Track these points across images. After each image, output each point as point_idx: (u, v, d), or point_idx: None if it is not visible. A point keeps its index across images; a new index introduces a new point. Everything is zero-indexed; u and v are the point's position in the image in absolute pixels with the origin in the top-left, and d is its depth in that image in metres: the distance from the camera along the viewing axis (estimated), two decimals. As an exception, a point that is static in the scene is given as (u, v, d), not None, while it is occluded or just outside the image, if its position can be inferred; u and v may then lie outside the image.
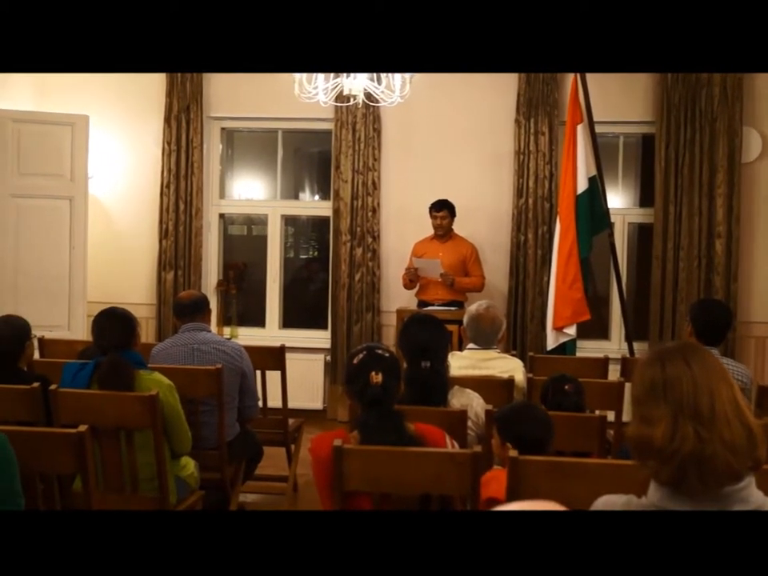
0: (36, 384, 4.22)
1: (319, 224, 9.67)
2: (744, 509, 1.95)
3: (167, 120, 8.47)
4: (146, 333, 8.22)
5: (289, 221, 9.20)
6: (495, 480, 3.35)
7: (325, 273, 9.08)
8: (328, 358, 8.50)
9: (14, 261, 7.73)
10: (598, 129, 7.50)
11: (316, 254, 10.33)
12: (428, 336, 4.11)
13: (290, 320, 8.99)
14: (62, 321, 7.83)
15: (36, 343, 5.29)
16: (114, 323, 4.36)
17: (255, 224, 10.00)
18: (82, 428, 3.44)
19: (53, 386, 4.19)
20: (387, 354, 3.37)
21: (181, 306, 5.31)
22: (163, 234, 8.51)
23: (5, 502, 2.61)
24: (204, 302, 5.37)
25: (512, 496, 3.06)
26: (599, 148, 7.48)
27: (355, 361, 3.34)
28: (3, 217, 7.71)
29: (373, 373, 3.26)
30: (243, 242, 10.21)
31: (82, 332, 7.64)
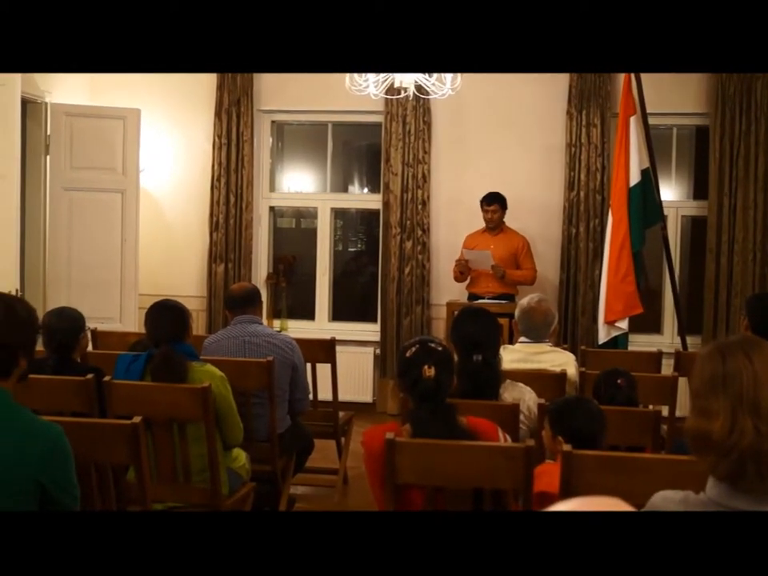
0: (90, 375, 4.24)
1: (367, 217, 9.67)
2: None
3: (218, 114, 8.51)
4: (197, 325, 8.26)
5: (337, 214, 9.20)
6: (547, 474, 3.32)
7: (373, 266, 9.08)
8: (377, 351, 8.49)
9: (66, 254, 7.82)
10: (651, 120, 7.41)
11: (364, 247, 10.32)
12: (480, 329, 4.09)
13: (338, 313, 9.00)
14: (113, 313, 7.90)
15: (89, 335, 5.33)
16: (166, 315, 4.38)
17: (304, 217, 10.01)
18: (137, 419, 3.45)
19: (106, 378, 4.21)
20: (440, 348, 3.33)
21: (233, 299, 5.33)
22: (214, 227, 8.55)
23: (61, 492, 2.63)
24: (256, 294, 5.38)
25: (565, 490, 3.03)
26: (652, 140, 7.40)
27: (408, 354, 3.30)
28: (56, 210, 7.80)
29: (425, 367, 3.23)
30: (291, 235, 10.24)
31: (133, 324, 7.70)
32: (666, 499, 2.07)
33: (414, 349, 3.30)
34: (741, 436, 1.93)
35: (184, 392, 4.18)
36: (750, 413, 1.95)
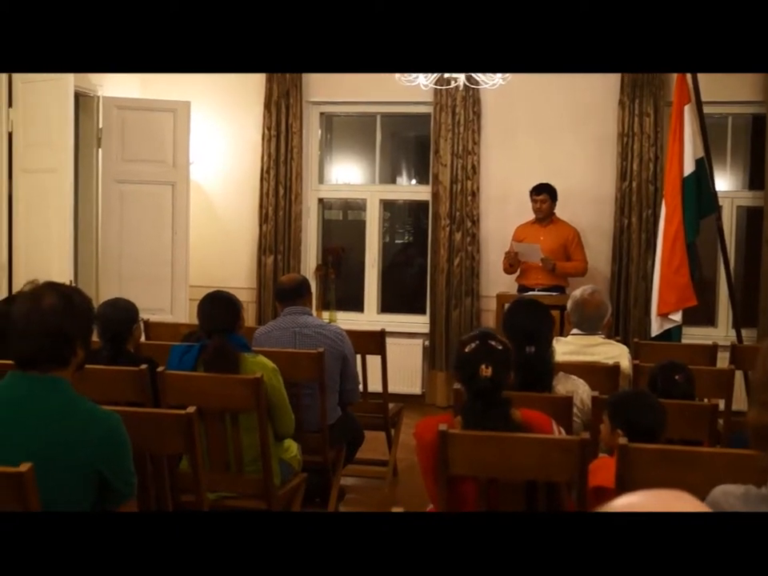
0: (144, 366, 4.27)
1: (415, 208, 9.65)
2: None
3: (267, 106, 8.52)
4: (247, 316, 8.25)
5: (386, 205, 9.18)
6: (605, 468, 3.28)
7: (422, 258, 9.06)
8: (426, 343, 8.47)
9: (118, 246, 7.88)
10: (706, 109, 7.30)
11: (411, 238, 10.30)
12: (533, 321, 4.07)
13: (387, 305, 8.98)
14: (164, 304, 7.94)
15: (142, 326, 5.37)
16: (219, 306, 4.39)
17: (352, 208, 10.01)
18: (191, 409, 3.47)
19: (160, 368, 4.24)
20: (500, 347, 3.25)
21: (283, 290, 5.33)
22: (263, 219, 8.58)
23: (119, 480, 2.65)
24: (305, 285, 5.38)
25: (621, 484, 3.00)
26: (707, 129, 7.29)
27: (467, 350, 3.25)
28: (108, 202, 7.86)
29: (483, 366, 3.18)
30: (340, 227, 10.24)
31: (184, 315, 7.75)
32: (726, 493, 2.03)
33: (473, 345, 3.25)
34: None
35: (236, 383, 4.19)
36: None
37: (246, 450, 4.24)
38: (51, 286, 2.66)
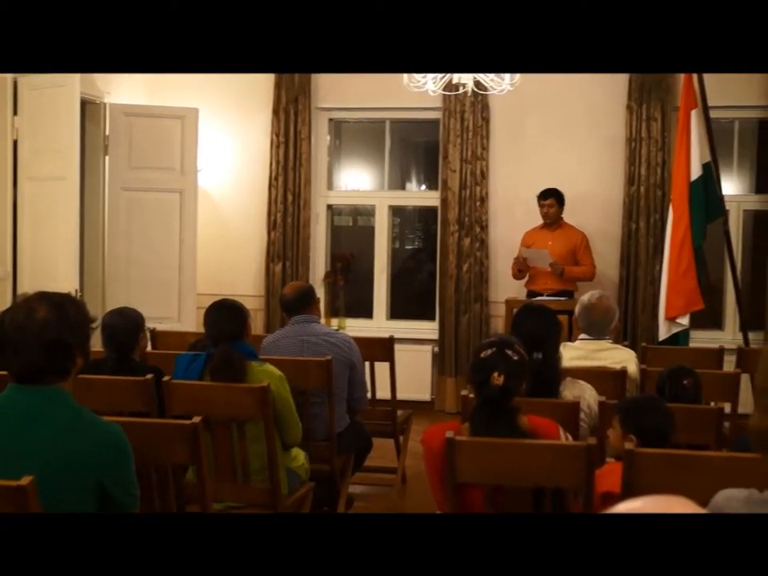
0: (149, 375, 4.26)
1: (425, 214, 9.65)
2: None
3: (275, 112, 8.53)
4: (255, 325, 8.24)
5: (395, 211, 9.18)
6: (611, 473, 3.27)
7: (431, 263, 9.05)
8: (436, 349, 8.46)
9: (125, 253, 7.86)
10: (713, 114, 7.30)
11: (421, 244, 10.30)
12: (540, 327, 4.07)
13: (397, 311, 8.98)
14: (172, 313, 7.94)
15: (148, 335, 5.36)
16: (225, 315, 4.37)
17: (361, 215, 10.01)
18: (196, 419, 3.45)
19: (166, 377, 4.23)
20: (516, 357, 3.24)
21: (287, 302, 5.30)
22: (272, 226, 8.57)
23: (121, 492, 2.64)
24: (309, 293, 5.35)
25: (627, 489, 2.99)
26: (714, 133, 7.28)
27: (482, 354, 3.24)
28: (115, 210, 7.84)
29: (495, 374, 3.16)
30: (349, 233, 10.25)
31: (192, 324, 7.73)
32: (729, 498, 2.02)
33: (489, 352, 3.23)
34: None
35: (243, 391, 4.18)
36: None
37: (252, 459, 4.22)
38: (43, 297, 2.62)
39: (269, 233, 8.58)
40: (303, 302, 5.24)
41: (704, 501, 2.05)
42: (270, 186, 8.56)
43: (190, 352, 4.59)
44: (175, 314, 7.94)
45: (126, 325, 4.51)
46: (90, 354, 2.74)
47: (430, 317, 8.76)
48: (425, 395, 8.39)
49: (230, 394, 4.19)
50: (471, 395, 3.45)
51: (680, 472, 2.98)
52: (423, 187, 10.00)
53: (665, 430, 3.47)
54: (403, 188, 9.89)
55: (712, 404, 4.46)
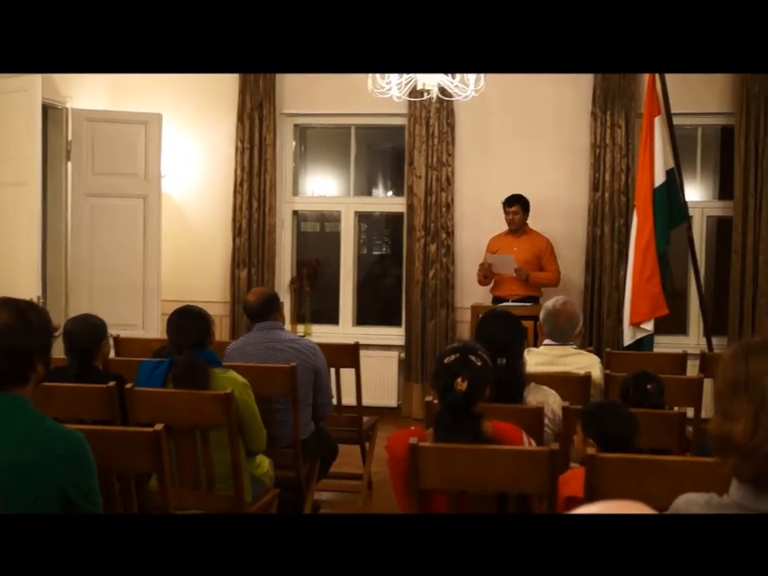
0: (112, 383, 4.23)
1: (392, 220, 9.66)
2: None
3: (240, 118, 8.50)
4: (220, 331, 8.23)
5: (362, 217, 9.17)
6: (575, 478, 3.28)
7: (398, 269, 9.05)
8: (402, 355, 8.46)
9: (88, 260, 7.79)
10: (676, 120, 7.36)
11: (388, 250, 10.30)
12: (503, 333, 4.07)
13: (363, 317, 8.97)
14: (136, 319, 7.88)
15: (111, 342, 5.32)
16: (189, 321, 4.35)
17: (328, 221, 10.00)
18: (158, 427, 3.43)
19: (128, 385, 4.20)
20: (480, 363, 3.25)
21: (251, 309, 5.28)
22: (237, 232, 8.54)
23: (83, 500, 2.61)
24: (273, 300, 5.33)
25: (590, 494, 3.01)
26: (677, 140, 7.34)
27: (446, 361, 3.25)
28: (78, 216, 7.78)
29: (459, 379, 3.18)
30: (315, 239, 10.23)
31: (156, 330, 7.68)
32: (689, 502, 2.03)
33: (452, 357, 3.25)
34: (764, 438, 1.89)
35: (206, 398, 4.15)
36: None
37: (216, 466, 4.19)
38: (5, 303, 2.60)
39: (234, 239, 8.55)
40: (267, 309, 5.23)
41: (665, 504, 2.06)
42: (235, 191, 8.53)
43: (153, 359, 4.56)
44: (139, 320, 7.89)
45: (88, 332, 4.47)
46: (50, 361, 2.71)
47: (396, 323, 8.76)
48: (391, 401, 8.39)
49: (194, 401, 4.16)
50: (435, 401, 3.45)
51: (642, 476, 3.00)
52: (389, 193, 10.01)
53: (627, 435, 3.48)
54: (369, 194, 9.89)
55: (675, 409, 4.49)
